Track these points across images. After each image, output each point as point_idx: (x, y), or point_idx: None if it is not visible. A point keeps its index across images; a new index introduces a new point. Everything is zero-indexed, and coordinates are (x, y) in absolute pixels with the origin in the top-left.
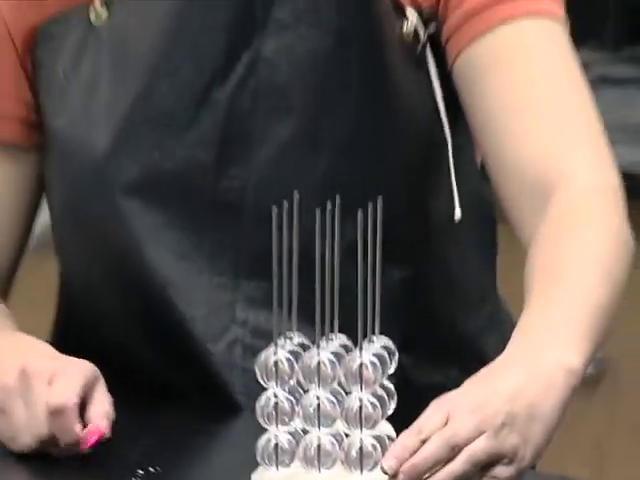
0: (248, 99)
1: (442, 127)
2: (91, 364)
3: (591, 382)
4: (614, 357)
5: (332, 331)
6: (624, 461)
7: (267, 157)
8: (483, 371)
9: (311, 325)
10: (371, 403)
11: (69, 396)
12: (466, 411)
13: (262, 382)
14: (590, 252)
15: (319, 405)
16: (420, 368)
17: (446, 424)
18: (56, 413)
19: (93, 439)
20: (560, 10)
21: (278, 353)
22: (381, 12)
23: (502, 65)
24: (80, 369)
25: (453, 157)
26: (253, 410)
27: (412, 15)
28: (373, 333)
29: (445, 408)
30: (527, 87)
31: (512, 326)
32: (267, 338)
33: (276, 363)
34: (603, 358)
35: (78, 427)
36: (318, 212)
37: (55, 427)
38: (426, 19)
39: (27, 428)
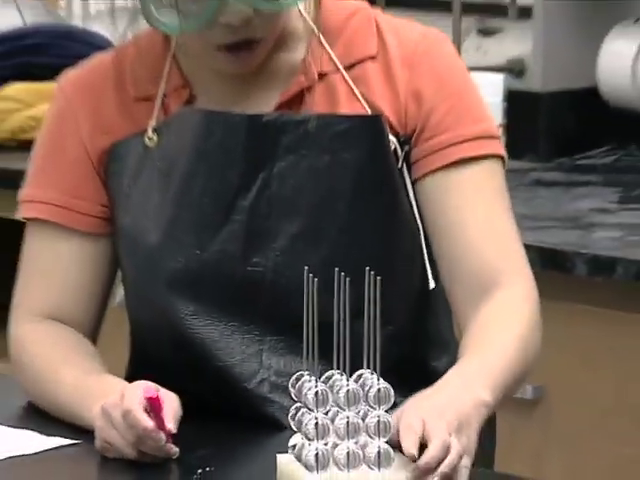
0: (265, 205)
1: (416, 221)
2: (151, 382)
3: (530, 405)
4: (548, 386)
5: (342, 368)
6: (556, 465)
7: (280, 247)
8: (424, 392)
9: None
10: (387, 419)
11: (134, 402)
12: (435, 418)
13: (308, 407)
14: (508, 334)
15: (348, 422)
16: (403, 396)
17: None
18: (126, 415)
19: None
20: (502, 150)
21: (319, 386)
22: (368, 136)
23: (456, 193)
24: (141, 384)
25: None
26: (281, 428)
27: (393, 140)
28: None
29: (417, 415)
30: (472, 213)
31: None
32: (287, 377)
33: (316, 393)
34: (540, 386)
35: (146, 421)
36: (338, 287)
37: (130, 425)
38: (402, 142)
39: (127, 445)
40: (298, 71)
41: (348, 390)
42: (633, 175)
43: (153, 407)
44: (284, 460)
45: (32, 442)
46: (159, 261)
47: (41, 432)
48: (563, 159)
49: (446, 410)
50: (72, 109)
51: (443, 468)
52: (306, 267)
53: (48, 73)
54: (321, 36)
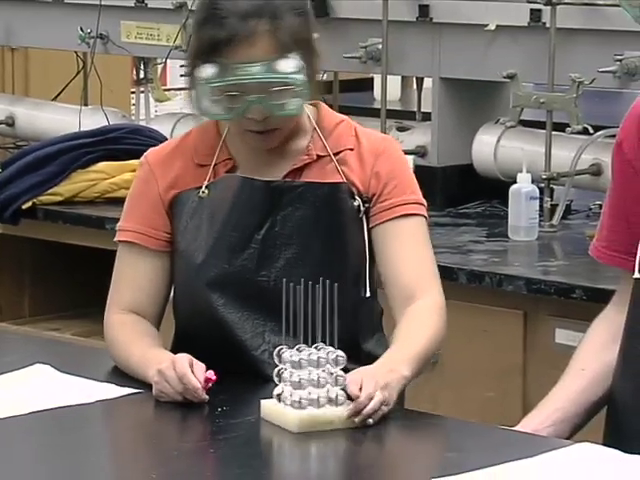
0: (271, 238)
1: (365, 251)
2: (188, 355)
3: (431, 366)
4: (443, 353)
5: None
6: (447, 404)
7: (280, 266)
8: (367, 367)
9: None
10: (342, 375)
11: (186, 367)
12: (369, 378)
13: (291, 367)
14: (421, 330)
15: (319, 377)
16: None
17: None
18: (182, 377)
19: (209, 381)
20: (426, 213)
21: (302, 354)
22: (338, 198)
23: (396, 236)
24: (185, 356)
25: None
26: (274, 382)
27: (358, 199)
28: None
29: (359, 375)
30: (405, 250)
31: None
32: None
33: (299, 360)
34: (437, 353)
35: (196, 382)
36: (317, 290)
37: (183, 382)
38: (364, 202)
39: (176, 394)
40: (303, 152)
41: (318, 357)
42: (495, 220)
43: (207, 380)
44: (267, 403)
45: (112, 391)
46: (202, 272)
47: (118, 384)
48: (450, 209)
49: (378, 376)
50: (153, 173)
51: (367, 410)
52: (292, 281)
53: (123, 156)
54: (320, 132)
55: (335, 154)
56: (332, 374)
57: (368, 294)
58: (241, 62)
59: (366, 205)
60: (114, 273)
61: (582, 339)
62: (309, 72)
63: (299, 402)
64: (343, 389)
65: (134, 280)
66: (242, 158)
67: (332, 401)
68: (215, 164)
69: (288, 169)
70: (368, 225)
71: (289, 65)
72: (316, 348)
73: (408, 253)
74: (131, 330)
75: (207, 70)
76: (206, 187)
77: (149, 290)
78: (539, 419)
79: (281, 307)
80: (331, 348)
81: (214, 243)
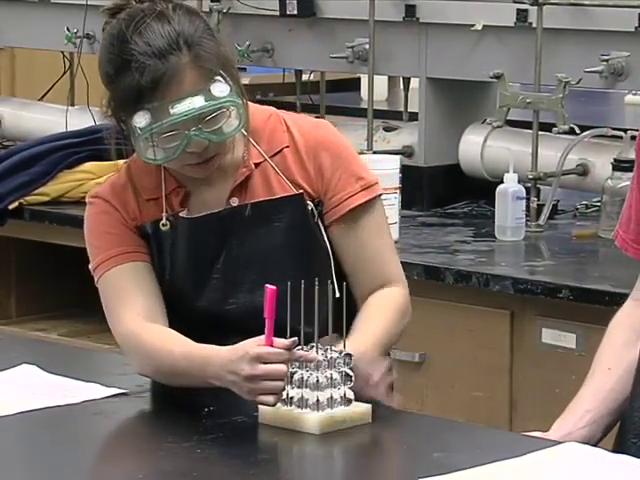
0: (232, 265)
1: (328, 255)
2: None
3: (417, 365)
4: (428, 353)
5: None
6: (433, 404)
7: (245, 290)
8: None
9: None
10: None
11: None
12: (376, 371)
13: (308, 370)
14: (388, 313)
15: (332, 377)
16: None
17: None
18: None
19: None
20: (378, 191)
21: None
22: (289, 209)
23: (356, 227)
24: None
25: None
26: None
27: (310, 204)
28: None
29: (365, 373)
30: (368, 242)
31: None
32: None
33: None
34: (423, 353)
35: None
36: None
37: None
38: (316, 204)
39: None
40: (240, 165)
41: (325, 357)
42: (481, 220)
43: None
44: (267, 410)
45: (98, 391)
46: (170, 311)
47: (104, 385)
48: (437, 209)
49: (376, 365)
50: (111, 204)
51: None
52: (260, 301)
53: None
54: (251, 139)
55: (272, 156)
56: (344, 373)
57: (337, 294)
58: (174, 100)
59: (319, 208)
60: (107, 301)
61: (604, 337)
62: (239, 87)
63: (317, 403)
64: (350, 388)
65: (140, 289)
66: (189, 183)
67: (345, 400)
68: (166, 195)
69: (231, 186)
70: (324, 224)
71: (222, 88)
72: (323, 349)
73: (370, 246)
74: (160, 333)
75: (142, 118)
76: (167, 219)
77: (157, 292)
78: (572, 421)
79: (252, 328)
80: (335, 348)
81: (178, 281)
